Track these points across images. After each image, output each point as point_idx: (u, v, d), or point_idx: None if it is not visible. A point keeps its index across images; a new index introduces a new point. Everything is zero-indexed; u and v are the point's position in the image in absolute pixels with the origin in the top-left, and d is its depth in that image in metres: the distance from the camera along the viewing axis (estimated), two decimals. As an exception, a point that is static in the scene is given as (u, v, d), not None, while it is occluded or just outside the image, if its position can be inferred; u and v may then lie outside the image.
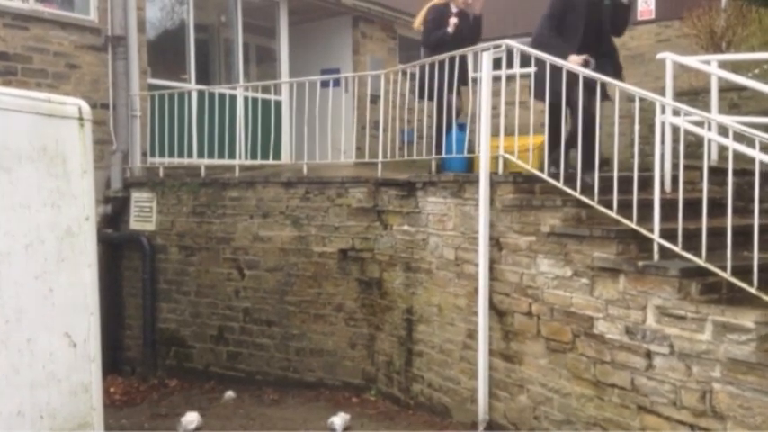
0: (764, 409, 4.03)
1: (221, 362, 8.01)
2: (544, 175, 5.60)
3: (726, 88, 7.12)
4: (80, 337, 4.24)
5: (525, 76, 6.10)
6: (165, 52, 9.78)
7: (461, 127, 6.65)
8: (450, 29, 7.19)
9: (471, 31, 7.40)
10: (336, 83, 9.20)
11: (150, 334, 8.32)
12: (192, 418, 6.44)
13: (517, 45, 5.88)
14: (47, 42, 8.01)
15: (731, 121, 4.78)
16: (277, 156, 9.34)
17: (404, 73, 7.68)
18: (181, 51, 9.67)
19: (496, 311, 5.79)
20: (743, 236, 4.46)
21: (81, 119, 4.32)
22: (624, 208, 4.95)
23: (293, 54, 11.10)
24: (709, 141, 5.31)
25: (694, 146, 5.80)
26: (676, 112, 5.15)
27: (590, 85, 5.42)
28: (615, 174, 5.10)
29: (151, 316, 8.33)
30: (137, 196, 8.62)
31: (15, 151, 3.96)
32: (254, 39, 11.39)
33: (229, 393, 7.38)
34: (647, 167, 5.28)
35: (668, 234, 4.67)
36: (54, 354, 4.09)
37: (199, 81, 9.68)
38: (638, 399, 4.72)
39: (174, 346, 8.28)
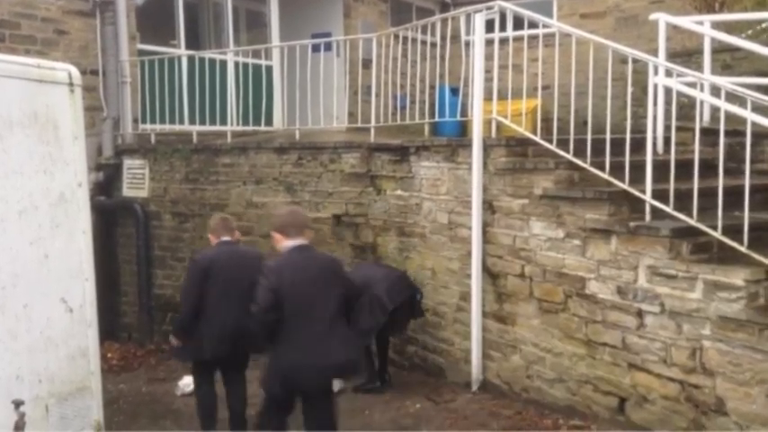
0: (754, 365, 4.11)
1: (217, 327, 8.03)
2: (537, 138, 5.60)
3: (719, 49, 7.07)
4: (76, 303, 4.26)
5: (519, 39, 6.06)
6: (153, 17, 9.63)
7: (454, 91, 6.61)
8: None
9: None
10: (328, 47, 9.11)
11: (146, 300, 8.35)
12: (188, 381, 6.48)
13: (511, 6, 5.84)
14: (34, 8, 7.87)
15: (724, 81, 4.78)
16: (269, 121, 9.27)
17: (396, 36, 7.60)
18: (170, 16, 9.52)
19: (490, 274, 5.84)
20: (734, 196, 4.50)
21: (71, 84, 4.29)
22: (616, 170, 4.97)
23: (283, 18, 10.95)
24: (702, 102, 5.32)
25: (687, 107, 5.79)
26: (669, 74, 5.14)
27: None
28: (608, 136, 5.11)
29: (146, 282, 8.35)
30: (129, 163, 8.57)
31: (6, 117, 3.93)
32: (243, 3, 11.21)
33: (225, 357, 7.43)
34: (639, 129, 5.29)
35: (660, 195, 4.71)
36: (51, 319, 4.12)
37: (188, 46, 9.56)
38: (629, 357, 4.80)
39: (170, 312, 8.28)
